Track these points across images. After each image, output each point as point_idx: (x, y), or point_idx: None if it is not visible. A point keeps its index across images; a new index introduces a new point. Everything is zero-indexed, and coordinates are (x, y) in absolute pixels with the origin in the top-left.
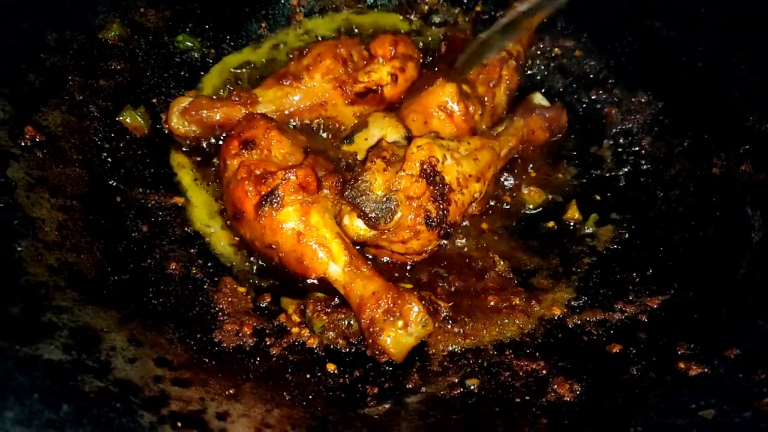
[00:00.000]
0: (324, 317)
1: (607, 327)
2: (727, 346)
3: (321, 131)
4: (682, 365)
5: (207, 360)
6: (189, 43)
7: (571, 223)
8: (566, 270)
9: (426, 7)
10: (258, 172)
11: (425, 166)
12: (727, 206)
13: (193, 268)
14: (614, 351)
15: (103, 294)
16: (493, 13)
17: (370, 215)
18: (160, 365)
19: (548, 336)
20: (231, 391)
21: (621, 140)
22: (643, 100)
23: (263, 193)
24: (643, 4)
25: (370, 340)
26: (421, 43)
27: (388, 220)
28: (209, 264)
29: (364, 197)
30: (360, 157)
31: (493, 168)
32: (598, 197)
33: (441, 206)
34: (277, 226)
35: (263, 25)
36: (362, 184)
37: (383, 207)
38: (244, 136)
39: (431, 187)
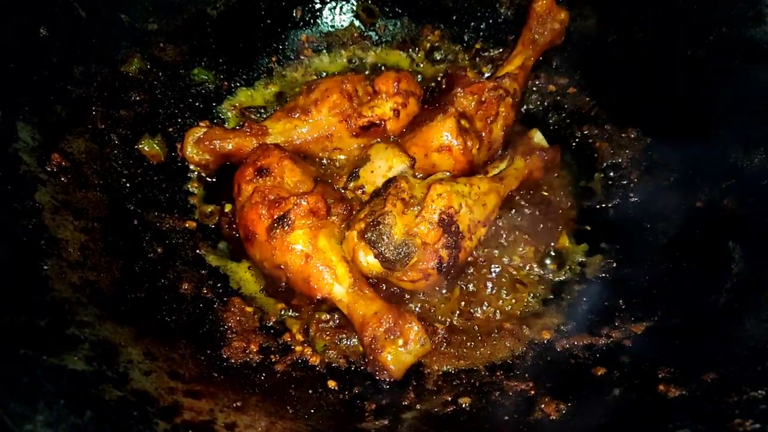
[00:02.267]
0: (326, 337)
1: (594, 351)
2: (704, 370)
3: (327, 163)
4: (662, 387)
5: (216, 374)
6: (204, 76)
7: (562, 252)
8: (556, 296)
9: (428, 45)
10: (271, 197)
11: (444, 216)
12: (709, 238)
13: (204, 289)
14: (599, 373)
15: (121, 311)
16: (492, 50)
17: (387, 257)
18: (173, 378)
19: (537, 358)
20: (238, 404)
21: (611, 174)
22: (632, 135)
23: (275, 216)
24: (632, 47)
25: (371, 357)
26: (420, 78)
27: (405, 263)
28: (219, 285)
29: (383, 240)
30: (368, 189)
31: (496, 211)
32: (588, 227)
33: (453, 253)
34: (287, 248)
35: (273, 59)
36: (383, 227)
37: (401, 251)
38: (258, 164)
39: (446, 235)
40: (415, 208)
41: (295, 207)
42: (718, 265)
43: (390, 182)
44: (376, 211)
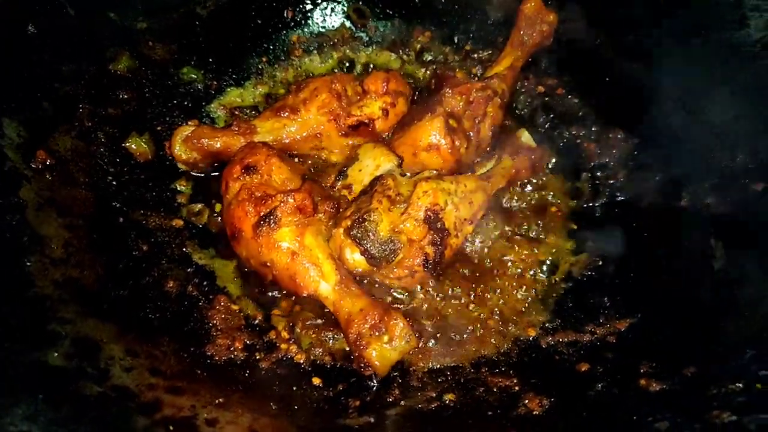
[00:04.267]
0: (312, 334)
1: (578, 347)
2: (685, 364)
3: (315, 161)
4: (643, 382)
5: (199, 371)
6: (193, 75)
7: (550, 250)
8: (542, 294)
9: (419, 46)
10: (258, 195)
11: (429, 213)
12: (692, 237)
13: (189, 287)
14: (582, 369)
15: (104, 308)
16: (482, 51)
17: (373, 254)
18: (154, 375)
19: (522, 355)
20: (220, 400)
21: (598, 173)
22: (619, 136)
23: (262, 213)
24: (619, 49)
25: (357, 354)
26: (411, 80)
27: (391, 260)
28: (204, 283)
29: (369, 237)
30: (355, 188)
31: (483, 209)
32: (575, 226)
33: (438, 250)
34: (273, 245)
35: (263, 59)
36: (368, 224)
37: (387, 248)
38: (246, 161)
39: (432, 232)
40: (401, 206)
41: (282, 204)
42: (700, 262)
43: (377, 180)
44: (362, 209)
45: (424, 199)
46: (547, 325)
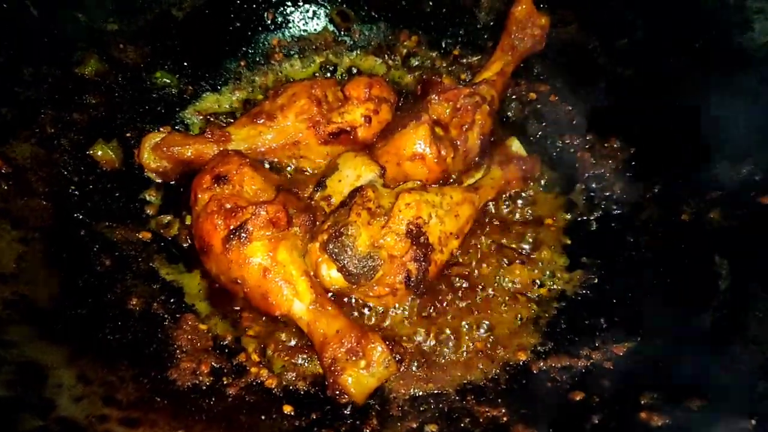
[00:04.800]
0: (285, 357)
1: (572, 373)
2: (690, 396)
3: (293, 171)
4: (644, 415)
5: (159, 399)
6: (166, 80)
7: (541, 267)
8: (533, 314)
9: (405, 51)
10: (228, 206)
11: (411, 226)
12: (695, 253)
13: (155, 304)
14: (577, 399)
15: (57, 329)
16: (471, 56)
17: (351, 271)
18: (107, 404)
19: (512, 381)
20: None
21: (593, 185)
22: (615, 145)
23: (232, 226)
24: (615, 54)
25: (331, 380)
26: (397, 86)
27: (370, 277)
28: (172, 300)
29: (347, 252)
30: (335, 200)
31: (471, 222)
32: (569, 241)
33: (422, 267)
34: (243, 261)
35: (242, 64)
36: (346, 238)
37: (366, 264)
38: (216, 171)
39: (414, 247)
40: (382, 219)
41: (254, 217)
42: (704, 281)
43: (356, 191)
44: (339, 222)
45: (406, 211)
46: (538, 348)
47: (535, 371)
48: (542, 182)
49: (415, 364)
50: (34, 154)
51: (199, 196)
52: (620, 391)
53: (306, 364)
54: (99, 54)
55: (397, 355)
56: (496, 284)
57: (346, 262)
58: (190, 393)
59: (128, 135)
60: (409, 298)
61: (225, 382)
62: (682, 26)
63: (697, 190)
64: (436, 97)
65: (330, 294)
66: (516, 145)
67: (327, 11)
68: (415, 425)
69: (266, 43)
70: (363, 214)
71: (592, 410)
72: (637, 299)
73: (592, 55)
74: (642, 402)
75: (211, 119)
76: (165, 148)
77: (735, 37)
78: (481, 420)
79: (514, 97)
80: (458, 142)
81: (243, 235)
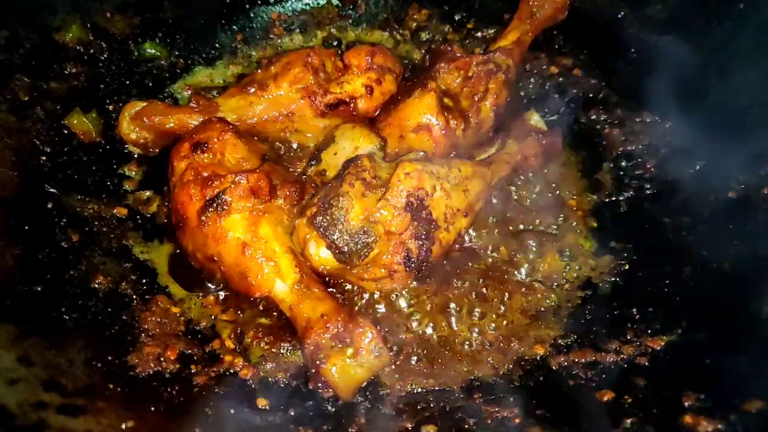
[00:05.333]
0: (265, 346)
1: (599, 370)
2: (746, 397)
3: (286, 146)
4: (689, 419)
5: (112, 386)
6: (156, 51)
7: (565, 252)
8: (554, 303)
9: (414, 24)
10: (206, 175)
11: (412, 199)
12: (745, 234)
13: (124, 284)
14: (605, 399)
15: (5, 304)
16: (486, 29)
17: (342, 248)
18: (48, 389)
19: (527, 378)
20: (129, 424)
21: (623, 163)
22: (648, 120)
23: (208, 196)
24: (645, 21)
25: (313, 370)
26: (405, 61)
27: (363, 256)
28: (144, 281)
29: (337, 227)
30: (330, 174)
31: (483, 200)
32: (594, 224)
33: (424, 246)
34: (220, 235)
35: (238, 37)
36: (336, 211)
37: (358, 240)
38: (196, 138)
39: (415, 223)
40: (379, 191)
41: (233, 186)
42: (757, 265)
43: (350, 162)
44: (330, 194)
45: (406, 181)
46: (559, 341)
47: (554, 367)
48: (564, 159)
49: (415, 356)
50: (3, 120)
51: (176, 164)
52: (658, 391)
53: (288, 354)
54: (82, 21)
55: (394, 346)
56: (511, 269)
57: (335, 237)
58: (150, 381)
59: (110, 107)
60: (410, 282)
61: (193, 371)
62: None
63: (746, 165)
64: (446, 66)
65: (321, 278)
66: (535, 119)
67: None
68: (410, 426)
69: (265, 16)
70: (357, 184)
71: (624, 412)
72: (676, 287)
73: (618, 23)
74: (686, 404)
75: (201, 92)
76: (146, 118)
77: None
78: (489, 421)
79: (534, 71)
80: (469, 114)
81: (220, 206)
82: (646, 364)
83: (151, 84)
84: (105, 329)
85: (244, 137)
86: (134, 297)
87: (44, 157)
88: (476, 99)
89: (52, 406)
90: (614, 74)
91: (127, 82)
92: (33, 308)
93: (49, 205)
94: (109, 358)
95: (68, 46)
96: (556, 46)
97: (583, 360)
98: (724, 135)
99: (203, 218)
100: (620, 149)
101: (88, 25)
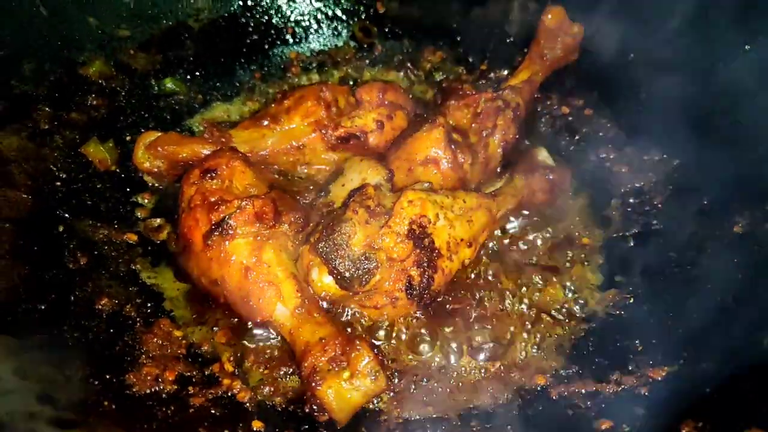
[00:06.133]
0: (264, 370)
1: (599, 400)
2: (746, 427)
3: (296, 178)
4: None
5: (107, 403)
6: (175, 87)
7: (569, 285)
8: (557, 335)
9: (429, 65)
10: (213, 200)
11: (414, 226)
12: (749, 269)
13: (128, 306)
14: (603, 427)
15: (6, 320)
16: (499, 71)
17: (343, 273)
18: (41, 402)
19: (526, 408)
20: None
21: (631, 200)
22: (656, 158)
23: (214, 221)
24: (656, 61)
25: (309, 393)
26: (413, 95)
27: (364, 282)
28: (148, 304)
29: (339, 252)
30: (337, 205)
31: (487, 232)
32: (601, 260)
33: (426, 273)
34: (224, 259)
35: (256, 75)
36: (339, 237)
37: (360, 266)
38: (206, 165)
39: (418, 251)
40: (382, 219)
41: (238, 211)
42: (760, 299)
43: (355, 191)
44: (334, 221)
45: (409, 209)
46: (560, 372)
47: (554, 397)
48: (572, 196)
49: (413, 383)
50: (21, 146)
51: (185, 190)
52: (657, 420)
53: (287, 379)
54: (107, 58)
55: (395, 372)
56: (515, 300)
57: (337, 263)
58: (146, 400)
59: (128, 138)
60: (413, 311)
61: (190, 392)
62: (729, 33)
63: (751, 201)
64: (455, 102)
65: (324, 305)
66: (543, 155)
67: (350, 27)
68: None
69: (283, 56)
70: (360, 212)
71: None
72: (679, 320)
73: (628, 65)
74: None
75: (216, 126)
76: (160, 147)
77: None
78: None
79: (544, 112)
80: (478, 149)
81: (225, 230)
82: (646, 393)
83: (169, 117)
84: (105, 349)
85: (252, 165)
86: (138, 319)
87: (59, 183)
88: (484, 135)
89: (43, 418)
90: (623, 114)
91: (146, 115)
92: (34, 324)
93: (60, 228)
94: (107, 376)
95: (91, 80)
96: (567, 87)
97: (583, 390)
98: (729, 172)
99: (208, 242)
100: (629, 186)
101: (112, 62)
